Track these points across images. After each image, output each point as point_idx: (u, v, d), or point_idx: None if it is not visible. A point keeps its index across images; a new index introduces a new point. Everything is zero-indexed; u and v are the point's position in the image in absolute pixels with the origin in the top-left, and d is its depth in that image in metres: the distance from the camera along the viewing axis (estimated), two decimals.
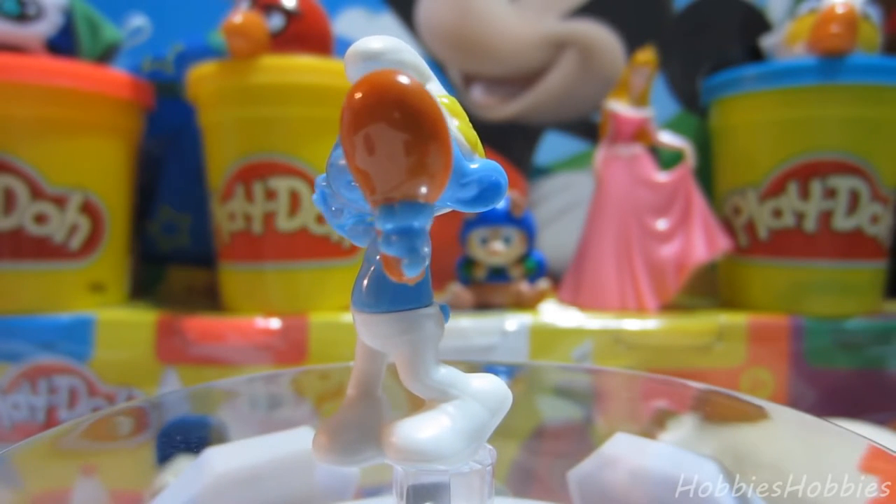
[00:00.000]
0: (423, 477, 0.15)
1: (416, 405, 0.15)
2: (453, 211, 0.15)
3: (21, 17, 0.38)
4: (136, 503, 0.22)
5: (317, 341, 0.39)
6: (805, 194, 0.42)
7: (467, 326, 0.39)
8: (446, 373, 0.15)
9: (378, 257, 0.13)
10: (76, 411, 0.38)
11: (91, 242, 0.41)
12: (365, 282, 0.14)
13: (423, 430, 0.14)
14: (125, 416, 0.24)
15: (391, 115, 0.11)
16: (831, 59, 0.41)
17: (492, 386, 0.16)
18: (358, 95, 0.11)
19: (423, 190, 0.11)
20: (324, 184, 0.14)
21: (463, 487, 0.16)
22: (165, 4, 0.50)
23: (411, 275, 0.12)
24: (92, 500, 0.21)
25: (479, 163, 0.14)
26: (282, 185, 0.39)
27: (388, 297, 0.14)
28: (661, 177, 0.45)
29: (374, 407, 0.15)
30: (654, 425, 0.27)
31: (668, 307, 0.44)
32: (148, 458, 0.23)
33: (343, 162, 0.12)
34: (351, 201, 0.14)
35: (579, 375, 0.31)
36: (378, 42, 0.13)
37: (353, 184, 0.13)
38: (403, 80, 0.11)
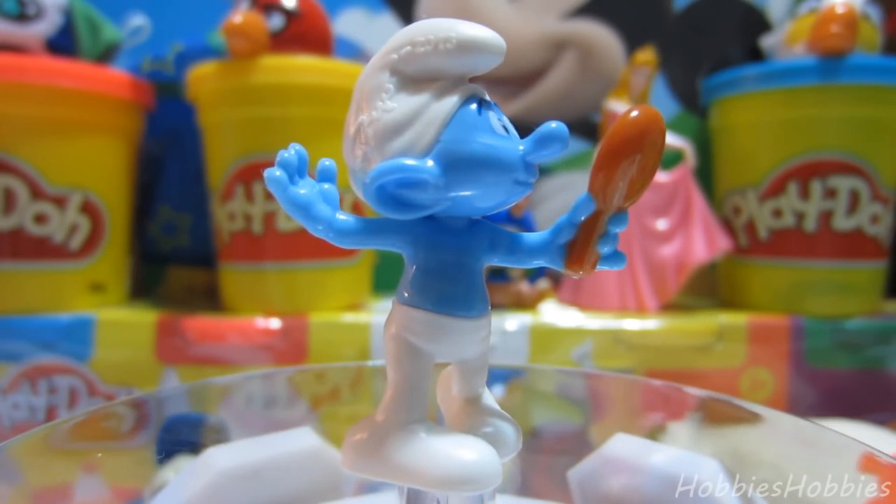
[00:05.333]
0: None
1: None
2: None
3: (21, 17, 0.38)
4: (137, 500, 0.22)
5: (317, 341, 0.39)
6: (805, 194, 0.42)
7: None
8: None
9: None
10: (76, 411, 0.38)
11: (91, 242, 0.41)
12: (468, 288, 0.14)
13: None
14: (125, 407, 0.24)
15: (660, 142, 0.13)
16: (831, 59, 0.41)
17: None
18: (648, 120, 0.13)
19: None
20: (424, 174, 0.13)
21: None
22: (165, 4, 0.50)
23: (618, 268, 0.14)
24: (93, 495, 0.21)
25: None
26: None
27: (485, 299, 0.15)
28: (661, 177, 0.45)
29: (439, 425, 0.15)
30: (652, 430, 0.27)
31: (668, 307, 0.44)
32: (148, 455, 0.23)
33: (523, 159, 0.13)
34: (450, 199, 0.13)
35: (577, 380, 0.31)
36: (487, 31, 0.13)
37: (516, 183, 0.14)
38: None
